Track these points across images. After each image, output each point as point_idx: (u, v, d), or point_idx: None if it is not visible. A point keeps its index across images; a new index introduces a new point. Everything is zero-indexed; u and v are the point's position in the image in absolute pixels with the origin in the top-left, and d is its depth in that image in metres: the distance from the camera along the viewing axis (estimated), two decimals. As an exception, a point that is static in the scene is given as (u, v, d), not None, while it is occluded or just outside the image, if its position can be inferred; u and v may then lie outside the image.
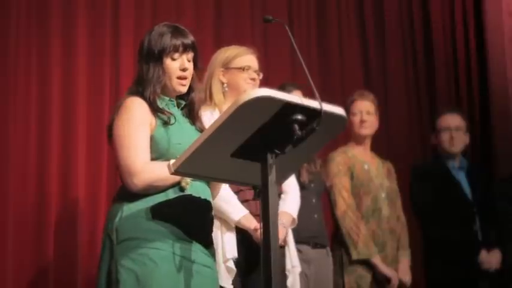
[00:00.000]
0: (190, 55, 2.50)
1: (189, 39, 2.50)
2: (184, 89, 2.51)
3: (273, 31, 4.44)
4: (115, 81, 3.81)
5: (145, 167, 2.33)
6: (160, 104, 2.47)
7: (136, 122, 2.38)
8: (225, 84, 3.13)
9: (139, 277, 2.25)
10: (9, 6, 3.52)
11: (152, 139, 2.40)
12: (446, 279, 3.91)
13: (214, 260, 2.50)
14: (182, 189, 2.37)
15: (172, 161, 2.04)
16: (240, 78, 3.12)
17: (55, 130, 3.58)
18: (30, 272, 3.42)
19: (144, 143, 2.37)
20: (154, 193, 2.35)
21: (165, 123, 2.41)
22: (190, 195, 2.39)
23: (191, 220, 2.37)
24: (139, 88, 2.46)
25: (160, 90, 2.48)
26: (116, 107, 2.49)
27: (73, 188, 3.58)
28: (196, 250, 2.36)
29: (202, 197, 2.43)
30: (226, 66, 3.14)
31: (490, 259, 3.94)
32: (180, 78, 2.48)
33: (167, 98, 2.52)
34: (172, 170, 2.03)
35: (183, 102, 2.57)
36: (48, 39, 3.63)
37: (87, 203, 3.59)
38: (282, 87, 3.50)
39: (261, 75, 3.19)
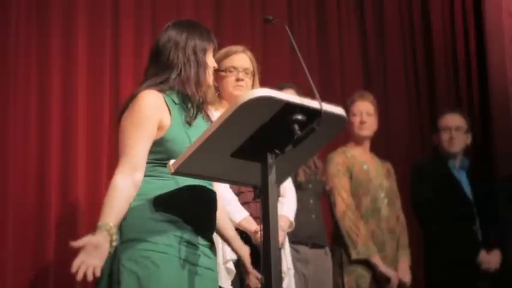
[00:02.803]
0: None
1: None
2: None
3: (272, 31, 4.44)
4: (115, 81, 3.81)
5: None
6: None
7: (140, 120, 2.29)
8: (217, 88, 3.15)
9: (141, 280, 2.24)
10: (9, 6, 3.53)
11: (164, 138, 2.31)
12: (446, 279, 3.91)
13: (215, 259, 2.49)
14: None
15: (172, 161, 2.04)
16: (226, 81, 3.11)
17: (55, 130, 3.58)
18: (30, 272, 3.42)
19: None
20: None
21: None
22: (201, 185, 2.33)
23: (200, 213, 2.33)
24: None
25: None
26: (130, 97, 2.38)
27: (73, 188, 3.58)
28: (201, 253, 2.34)
29: (208, 186, 2.38)
30: (216, 70, 3.15)
31: (490, 259, 3.94)
32: None
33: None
34: (173, 170, 2.02)
35: None
36: (48, 39, 3.63)
37: (87, 203, 3.59)
38: (277, 87, 3.48)
39: (252, 72, 3.13)
